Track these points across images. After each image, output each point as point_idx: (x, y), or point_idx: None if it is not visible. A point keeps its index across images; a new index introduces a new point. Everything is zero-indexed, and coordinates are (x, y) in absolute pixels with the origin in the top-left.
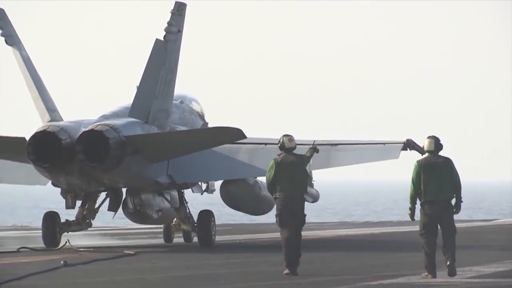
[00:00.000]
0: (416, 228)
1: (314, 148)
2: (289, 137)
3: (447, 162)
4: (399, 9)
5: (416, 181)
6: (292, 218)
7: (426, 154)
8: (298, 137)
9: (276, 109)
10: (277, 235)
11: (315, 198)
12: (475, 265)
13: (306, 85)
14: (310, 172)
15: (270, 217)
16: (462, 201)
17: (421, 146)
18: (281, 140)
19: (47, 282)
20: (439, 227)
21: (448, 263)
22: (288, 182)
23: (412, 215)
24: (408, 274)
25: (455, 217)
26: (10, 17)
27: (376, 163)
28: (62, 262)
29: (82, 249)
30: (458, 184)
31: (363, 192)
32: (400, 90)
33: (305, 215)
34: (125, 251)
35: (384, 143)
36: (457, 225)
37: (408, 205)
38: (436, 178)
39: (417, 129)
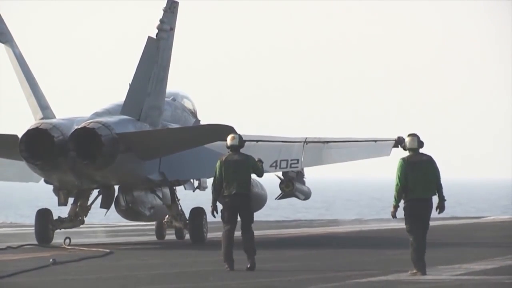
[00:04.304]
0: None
1: (260, 160)
2: (231, 135)
3: (431, 160)
4: (391, 7)
5: (402, 179)
6: (234, 215)
7: (408, 152)
8: (289, 134)
9: (267, 106)
10: (268, 232)
11: (307, 196)
12: (464, 263)
13: (298, 82)
14: (302, 169)
15: (260, 215)
16: (445, 200)
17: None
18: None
19: (36, 279)
20: None
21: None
22: (232, 180)
23: (395, 212)
24: (397, 271)
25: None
26: (2, 15)
27: (367, 160)
28: (51, 260)
29: (70, 247)
30: (440, 183)
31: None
32: (392, 87)
33: (252, 211)
34: (101, 249)
35: (375, 141)
36: (445, 222)
37: (393, 202)
38: (423, 176)
39: (409, 127)
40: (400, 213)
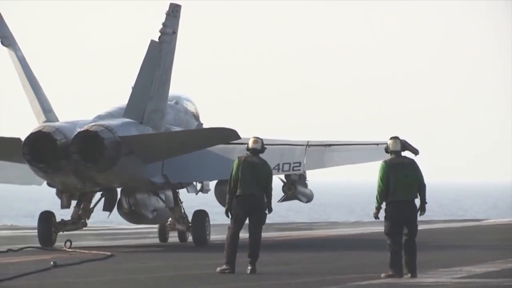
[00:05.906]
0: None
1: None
2: (254, 138)
3: (414, 163)
4: (395, 8)
5: (384, 181)
6: (246, 216)
7: (390, 155)
8: (292, 137)
9: (270, 109)
10: (269, 234)
11: (309, 198)
12: (465, 265)
13: (300, 85)
14: (304, 172)
15: None
16: (426, 202)
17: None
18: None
19: (37, 282)
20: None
21: (409, 263)
22: (248, 180)
23: (377, 214)
24: None
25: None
26: (5, 18)
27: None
28: (52, 262)
29: (71, 250)
30: (423, 186)
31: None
32: (394, 91)
33: (266, 214)
34: (101, 252)
35: (377, 144)
36: (446, 225)
37: (375, 204)
38: (405, 179)
39: (410, 130)
40: (383, 214)
